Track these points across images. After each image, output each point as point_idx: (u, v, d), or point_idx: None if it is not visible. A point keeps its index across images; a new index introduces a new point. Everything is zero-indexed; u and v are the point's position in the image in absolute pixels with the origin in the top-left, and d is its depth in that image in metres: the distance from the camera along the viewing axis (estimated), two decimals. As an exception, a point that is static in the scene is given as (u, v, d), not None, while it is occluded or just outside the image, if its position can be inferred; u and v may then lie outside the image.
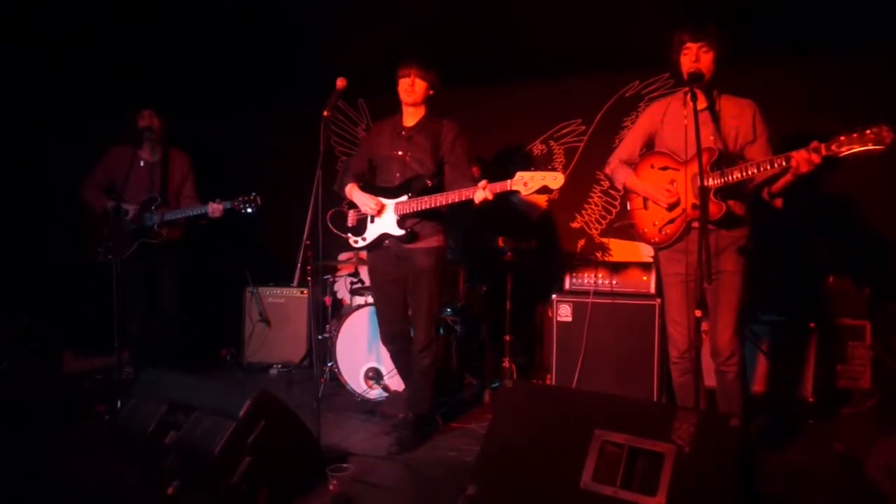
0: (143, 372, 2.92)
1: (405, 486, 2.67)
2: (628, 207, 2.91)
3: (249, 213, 3.66)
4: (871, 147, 2.26)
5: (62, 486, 2.63)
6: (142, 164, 3.85)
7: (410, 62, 3.07)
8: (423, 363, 3.14)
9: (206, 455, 2.25)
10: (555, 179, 2.77)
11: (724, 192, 2.57)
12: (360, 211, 3.20)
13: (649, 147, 2.90)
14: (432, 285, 3.11)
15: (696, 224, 2.62)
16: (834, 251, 3.93)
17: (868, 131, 2.27)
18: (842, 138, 2.31)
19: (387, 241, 3.13)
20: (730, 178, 2.52)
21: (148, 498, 2.43)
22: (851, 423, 3.36)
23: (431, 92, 3.13)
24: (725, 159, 2.59)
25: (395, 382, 3.69)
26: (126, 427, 2.65)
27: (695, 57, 2.59)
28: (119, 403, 3.22)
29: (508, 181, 2.81)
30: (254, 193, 3.66)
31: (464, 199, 2.89)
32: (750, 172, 2.49)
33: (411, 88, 3.08)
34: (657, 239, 2.77)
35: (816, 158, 2.35)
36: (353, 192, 3.19)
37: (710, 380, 2.86)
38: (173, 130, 3.98)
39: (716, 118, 2.66)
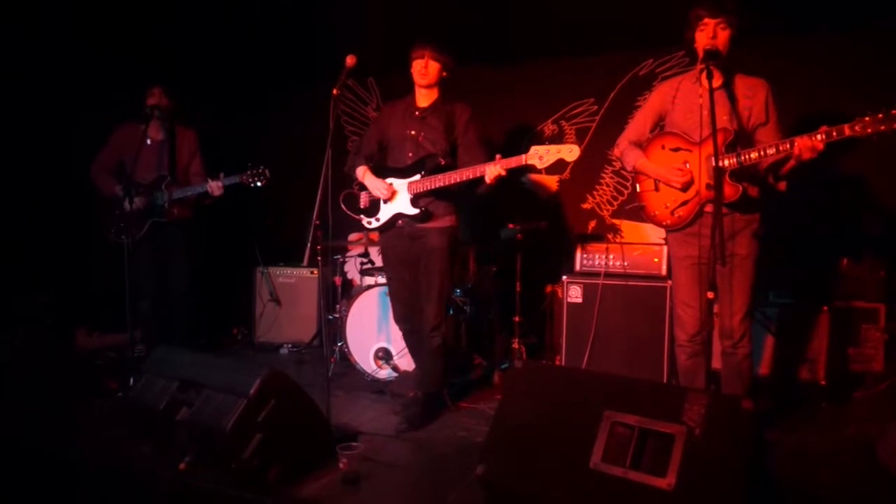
0: (156, 350, 2.95)
1: (415, 465, 2.69)
2: (638, 189, 2.87)
3: (259, 187, 3.61)
4: (882, 129, 2.23)
5: (76, 460, 2.67)
6: (149, 142, 3.84)
7: (424, 43, 3.03)
8: (433, 343, 3.14)
9: (217, 432, 2.28)
10: (570, 152, 2.73)
11: (739, 173, 2.53)
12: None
13: (659, 128, 2.85)
14: (444, 265, 3.11)
15: (708, 208, 2.59)
16: (848, 233, 3.88)
17: (879, 115, 2.23)
18: (846, 127, 2.28)
19: (400, 221, 3.14)
20: (746, 158, 2.48)
21: (160, 473, 2.45)
22: (864, 406, 3.34)
23: (445, 74, 3.10)
24: (741, 140, 2.55)
25: (405, 362, 3.70)
26: (138, 403, 2.68)
27: (712, 33, 2.52)
28: (132, 380, 3.26)
29: (523, 155, 2.78)
30: (262, 167, 3.62)
31: (477, 175, 2.87)
32: (768, 153, 2.44)
33: (425, 70, 3.04)
34: (669, 221, 2.74)
35: (820, 145, 2.32)
36: (366, 175, 3.19)
37: (713, 362, 2.86)
38: (182, 110, 3.98)
39: (732, 97, 2.61)
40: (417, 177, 3.05)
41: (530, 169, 2.83)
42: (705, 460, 1.78)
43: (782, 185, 2.63)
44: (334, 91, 2.82)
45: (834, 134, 2.30)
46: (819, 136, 2.31)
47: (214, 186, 3.68)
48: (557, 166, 2.79)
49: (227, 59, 4.93)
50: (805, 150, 2.33)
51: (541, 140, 4.71)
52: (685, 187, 2.66)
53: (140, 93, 3.84)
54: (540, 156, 2.73)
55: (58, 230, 4.48)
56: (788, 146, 2.38)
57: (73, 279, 4.52)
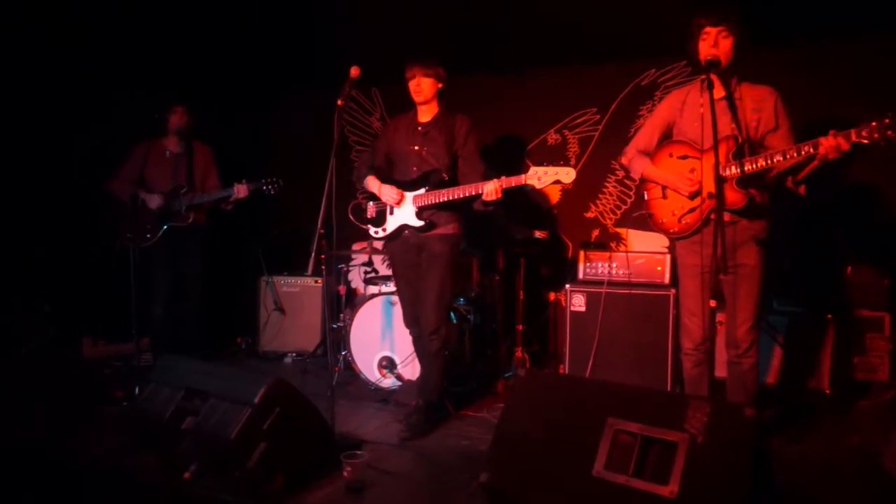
0: (161, 358, 2.96)
1: (418, 474, 2.69)
2: (645, 197, 2.88)
3: (272, 195, 3.87)
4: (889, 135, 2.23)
5: (81, 469, 2.68)
6: (167, 154, 4.01)
7: (412, 63, 3.14)
8: (431, 347, 3.18)
9: (222, 440, 2.29)
10: (567, 174, 2.84)
11: (746, 180, 2.53)
12: (379, 202, 3.28)
13: (667, 137, 2.87)
14: (444, 270, 3.15)
15: (714, 215, 2.59)
16: (853, 241, 3.87)
17: (886, 120, 2.23)
18: (873, 124, 2.27)
19: (406, 232, 3.22)
20: (753, 166, 2.48)
21: (166, 481, 2.47)
22: (868, 415, 3.33)
23: (440, 85, 3.18)
24: (747, 148, 2.56)
25: (409, 371, 3.71)
26: (144, 412, 2.69)
27: (713, 41, 2.53)
28: (137, 389, 3.28)
29: (523, 175, 2.88)
30: (275, 178, 3.86)
31: (476, 192, 2.97)
32: (775, 160, 2.44)
33: (418, 88, 3.14)
34: (676, 229, 2.75)
35: (846, 145, 2.31)
36: (373, 183, 3.28)
37: (719, 371, 2.86)
38: (200, 127, 4.13)
39: (734, 106, 2.61)
40: (422, 191, 3.14)
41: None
42: (708, 468, 1.78)
43: (802, 189, 2.64)
44: (339, 102, 2.87)
45: (864, 133, 2.28)
46: (851, 134, 2.30)
47: (241, 188, 3.84)
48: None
49: (231, 70, 4.98)
50: (831, 150, 2.33)
51: (544, 149, 4.74)
52: (692, 196, 2.67)
53: (154, 107, 3.99)
54: (539, 177, 2.86)
55: (63, 240, 4.52)
56: (810, 149, 2.37)
57: (79, 288, 4.55)
